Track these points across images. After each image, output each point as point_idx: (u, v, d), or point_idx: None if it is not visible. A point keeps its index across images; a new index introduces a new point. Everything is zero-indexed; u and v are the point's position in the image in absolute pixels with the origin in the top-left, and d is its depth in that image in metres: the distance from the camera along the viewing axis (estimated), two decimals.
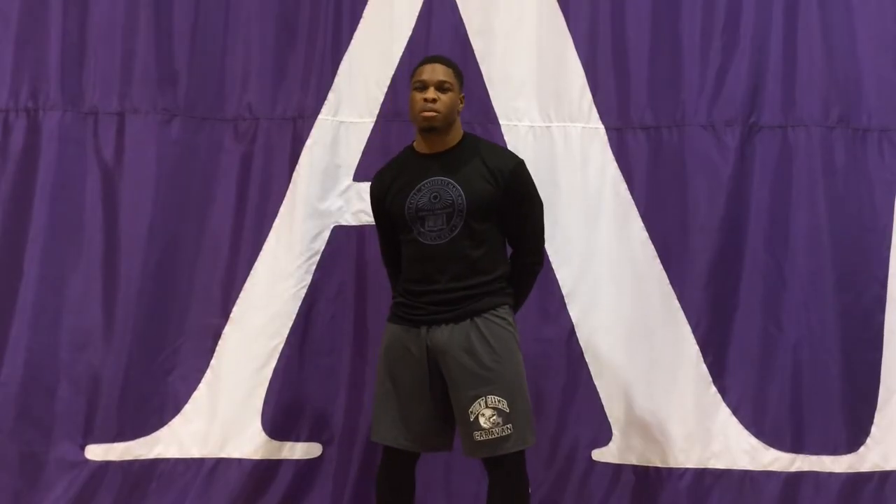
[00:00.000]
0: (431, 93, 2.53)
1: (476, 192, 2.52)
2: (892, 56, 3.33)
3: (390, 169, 2.70)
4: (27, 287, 3.20)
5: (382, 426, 2.59)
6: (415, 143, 2.67)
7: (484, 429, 2.45)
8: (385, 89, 3.34)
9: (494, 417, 2.45)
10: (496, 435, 2.45)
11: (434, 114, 2.53)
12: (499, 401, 2.46)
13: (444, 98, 2.54)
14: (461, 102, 2.64)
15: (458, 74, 2.64)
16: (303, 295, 3.26)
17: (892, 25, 3.34)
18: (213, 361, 3.26)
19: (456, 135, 2.62)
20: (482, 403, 2.46)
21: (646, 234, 3.29)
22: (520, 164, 2.61)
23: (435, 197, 2.53)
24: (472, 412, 2.46)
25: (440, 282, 2.53)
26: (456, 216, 2.52)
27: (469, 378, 2.48)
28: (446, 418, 2.58)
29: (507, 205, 2.57)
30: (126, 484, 3.19)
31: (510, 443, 2.46)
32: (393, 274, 2.76)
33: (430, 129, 2.55)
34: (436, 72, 2.57)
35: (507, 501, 2.51)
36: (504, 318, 2.56)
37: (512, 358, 2.54)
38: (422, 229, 2.54)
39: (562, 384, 3.25)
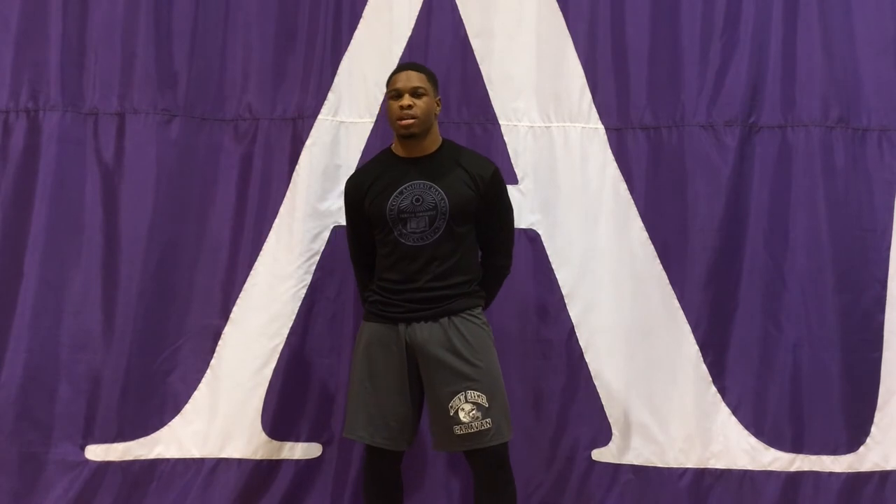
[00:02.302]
0: (407, 100, 2.61)
1: (458, 196, 2.62)
2: (892, 56, 3.33)
3: (367, 171, 2.76)
4: (27, 288, 3.20)
5: (359, 424, 2.64)
6: (393, 147, 2.74)
7: (464, 423, 2.54)
8: (385, 89, 3.33)
9: (474, 412, 2.54)
10: (475, 429, 2.54)
11: (412, 120, 2.60)
12: (478, 396, 2.55)
13: (420, 103, 2.62)
14: (438, 106, 2.72)
15: (433, 79, 2.71)
16: (303, 295, 3.26)
17: (892, 25, 3.34)
18: (212, 362, 3.26)
19: (435, 139, 2.71)
20: (462, 398, 2.55)
21: (646, 234, 3.29)
22: (497, 170, 2.72)
23: (417, 200, 2.61)
24: (451, 407, 2.55)
25: (420, 280, 2.61)
26: (439, 219, 2.60)
27: (449, 375, 2.56)
28: (416, 417, 2.67)
29: (485, 210, 2.68)
30: (126, 484, 3.19)
31: (489, 436, 2.55)
32: (363, 273, 2.81)
33: (409, 136, 2.62)
34: (409, 79, 2.64)
35: (495, 492, 2.58)
36: (480, 318, 2.67)
37: (490, 356, 2.64)
38: (404, 230, 2.61)
39: (562, 384, 3.25)
